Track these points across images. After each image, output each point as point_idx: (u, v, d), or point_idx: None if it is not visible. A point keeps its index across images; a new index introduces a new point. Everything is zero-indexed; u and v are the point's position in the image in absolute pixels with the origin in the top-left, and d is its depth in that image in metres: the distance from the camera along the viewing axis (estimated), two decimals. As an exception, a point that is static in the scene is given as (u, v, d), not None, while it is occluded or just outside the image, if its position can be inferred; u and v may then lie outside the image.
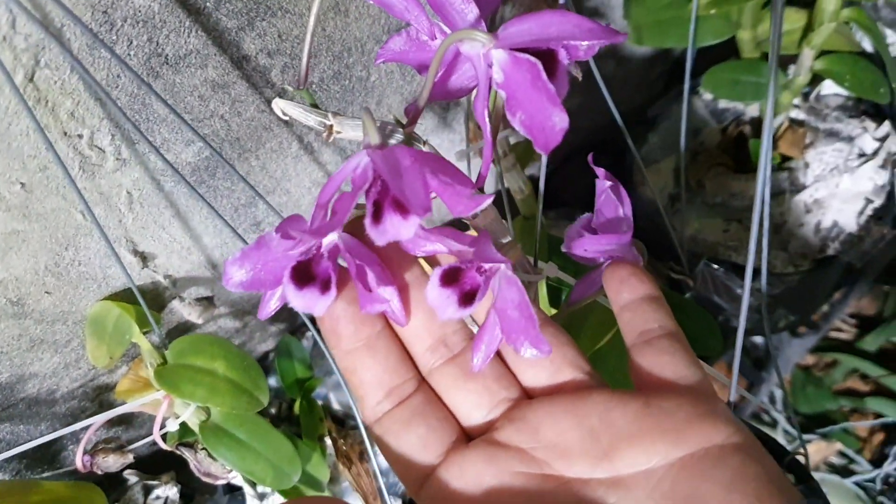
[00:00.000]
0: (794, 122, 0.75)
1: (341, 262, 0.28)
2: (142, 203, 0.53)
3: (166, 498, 0.71)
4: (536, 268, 0.48)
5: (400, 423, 0.28)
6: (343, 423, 0.73)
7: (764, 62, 0.68)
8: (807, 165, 0.73)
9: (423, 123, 0.70)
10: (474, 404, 0.29)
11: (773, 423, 1.05)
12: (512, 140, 0.65)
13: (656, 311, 0.30)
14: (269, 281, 0.27)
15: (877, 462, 1.02)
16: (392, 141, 0.28)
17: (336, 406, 0.74)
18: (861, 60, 0.67)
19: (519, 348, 0.28)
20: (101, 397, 0.66)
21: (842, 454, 1.05)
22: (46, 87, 0.42)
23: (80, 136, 0.46)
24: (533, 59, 0.24)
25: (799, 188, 0.72)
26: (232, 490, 0.72)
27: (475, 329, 0.31)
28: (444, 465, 0.28)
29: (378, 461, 0.64)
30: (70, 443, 0.68)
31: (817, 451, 1.05)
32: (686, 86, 0.64)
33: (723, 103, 0.79)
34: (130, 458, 0.60)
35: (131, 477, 0.71)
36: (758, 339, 1.04)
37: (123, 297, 0.58)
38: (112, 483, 0.70)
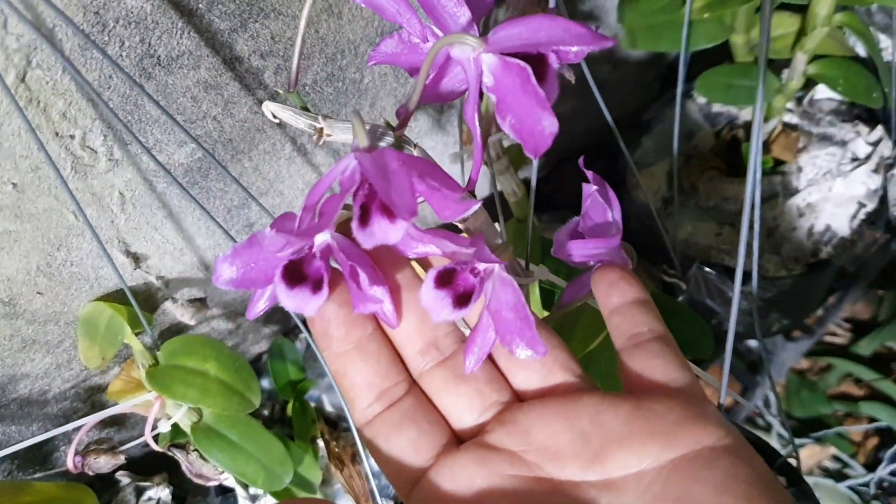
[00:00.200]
0: (788, 126, 0.75)
1: (334, 263, 0.28)
2: (134, 204, 0.53)
3: (158, 499, 0.71)
4: (528, 270, 0.48)
5: (390, 425, 0.28)
6: (336, 425, 0.73)
7: (757, 66, 0.69)
8: (800, 169, 0.73)
9: (417, 126, 0.70)
10: (465, 407, 0.29)
11: (768, 427, 1.05)
12: (505, 143, 0.65)
13: (645, 314, 0.30)
14: (260, 280, 0.27)
15: (871, 466, 1.02)
16: (382, 144, 0.28)
17: (329, 408, 0.74)
18: (854, 65, 0.67)
19: (514, 349, 0.28)
20: (93, 398, 0.66)
21: (836, 458, 1.05)
22: (38, 88, 0.42)
23: (72, 137, 0.46)
24: (523, 63, 0.25)
25: (792, 192, 0.72)
26: (224, 492, 0.72)
27: (467, 332, 0.31)
28: (434, 468, 0.28)
29: (370, 463, 0.64)
30: (62, 444, 0.68)
31: (811, 455, 1.05)
32: (679, 89, 0.64)
33: (716, 107, 0.79)
34: (122, 458, 0.60)
35: (123, 478, 0.71)
36: (752, 343, 1.04)
37: (116, 297, 0.58)
38: (104, 484, 0.70)
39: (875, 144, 0.72)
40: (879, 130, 0.73)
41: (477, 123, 0.27)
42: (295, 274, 0.26)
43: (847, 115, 0.75)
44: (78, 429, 0.57)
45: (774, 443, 1.02)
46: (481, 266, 0.29)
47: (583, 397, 0.28)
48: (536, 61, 0.25)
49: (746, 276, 0.62)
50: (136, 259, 0.56)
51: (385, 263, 0.29)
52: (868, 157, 0.72)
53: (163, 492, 0.70)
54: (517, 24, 0.25)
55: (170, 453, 0.63)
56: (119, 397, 0.59)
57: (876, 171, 0.71)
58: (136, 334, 0.57)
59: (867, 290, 1.09)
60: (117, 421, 0.70)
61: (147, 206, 0.54)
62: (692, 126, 0.79)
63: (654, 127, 0.80)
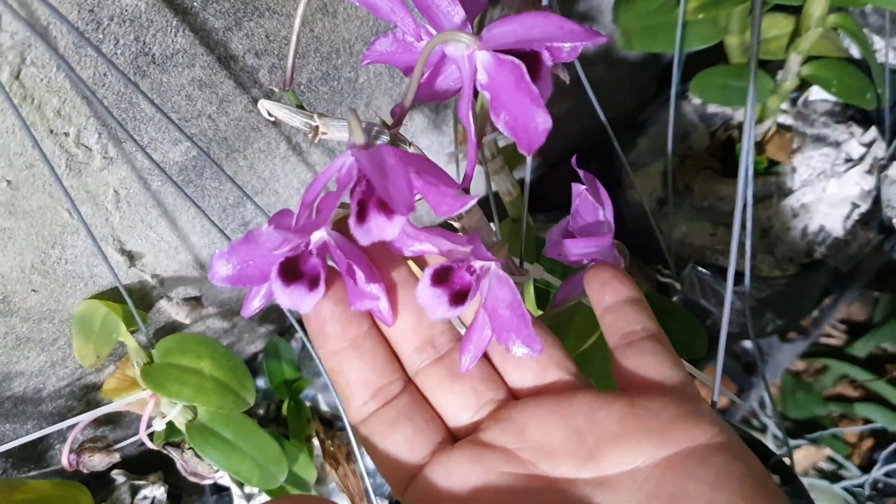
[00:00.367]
0: (782, 127, 0.75)
1: (330, 262, 0.28)
2: (129, 202, 0.53)
3: (153, 498, 0.70)
4: (522, 269, 0.49)
5: (386, 423, 0.28)
6: (331, 424, 0.73)
7: (746, 68, 0.69)
8: (794, 170, 0.73)
9: (413, 126, 0.70)
10: (461, 405, 0.29)
11: (763, 429, 1.05)
12: (501, 143, 0.65)
13: (638, 312, 0.30)
14: (256, 277, 0.27)
15: (865, 467, 1.03)
16: (378, 142, 0.28)
17: (324, 407, 0.74)
18: (848, 66, 0.68)
19: (510, 347, 0.28)
20: (87, 396, 0.66)
21: (831, 459, 1.06)
22: (32, 85, 0.42)
23: (67, 135, 0.46)
24: (517, 60, 0.25)
25: (786, 192, 0.72)
26: (219, 490, 0.72)
27: (462, 330, 0.31)
28: (430, 465, 0.28)
29: (365, 462, 0.64)
30: (57, 442, 0.68)
31: (807, 456, 1.05)
32: (673, 90, 0.64)
33: (711, 108, 0.79)
34: (117, 457, 0.60)
35: (118, 477, 0.71)
36: (748, 345, 1.04)
37: (110, 296, 0.58)
38: (99, 483, 0.70)
39: (869, 145, 0.73)
40: (873, 132, 0.73)
41: (471, 121, 0.27)
42: (291, 271, 0.27)
43: (841, 116, 0.75)
44: (73, 427, 0.58)
45: (769, 444, 1.02)
46: (477, 264, 0.29)
47: (577, 395, 0.28)
48: (530, 59, 0.25)
49: (740, 276, 0.62)
50: (131, 257, 0.57)
51: (381, 262, 0.29)
52: (862, 158, 0.72)
53: (158, 490, 0.70)
54: (511, 22, 0.25)
55: (165, 452, 0.63)
56: (114, 395, 0.59)
57: (869, 172, 0.72)
58: (131, 332, 0.57)
59: (862, 292, 1.09)
60: (112, 420, 0.70)
61: (142, 204, 0.54)
62: (687, 127, 0.79)
63: (650, 127, 0.80)
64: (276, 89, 0.44)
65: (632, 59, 0.87)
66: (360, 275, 0.27)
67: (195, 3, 0.45)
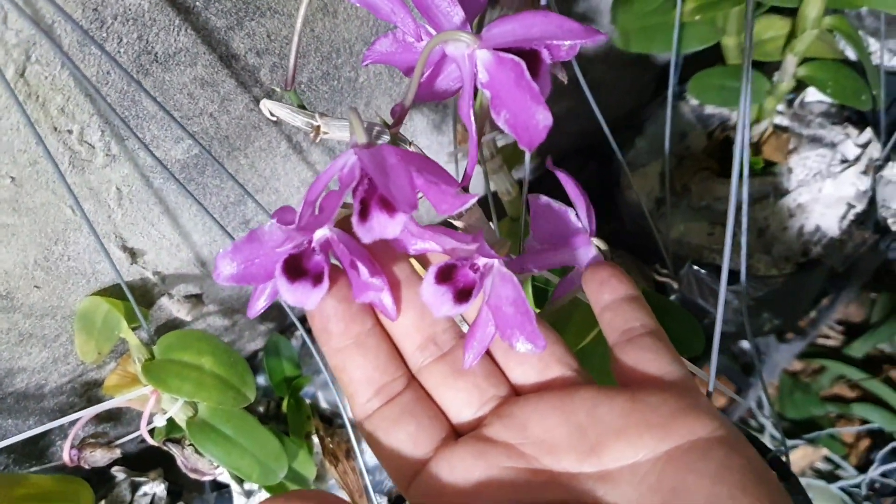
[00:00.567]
0: (779, 128, 0.76)
1: (334, 261, 0.28)
2: (131, 199, 0.53)
3: (154, 495, 0.71)
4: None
5: (389, 420, 0.29)
6: (330, 421, 0.73)
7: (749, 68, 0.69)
8: (790, 170, 0.74)
9: (413, 125, 0.71)
10: (464, 401, 0.29)
11: (761, 429, 1.05)
12: (500, 142, 0.66)
13: (637, 310, 0.30)
14: (260, 275, 0.27)
15: (862, 468, 1.03)
16: (379, 142, 0.28)
17: (324, 405, 0.75)
18: (843, 68, 0.68)
19: (514, 344, 0.29)
20: (89, 393, 0.67)
21: (828, 460, 1.06)
22: (37, 83, 0.43)
23: (70, 132, 0.47)
24: (517, 58, 0.25)
25: (782, 193, 0.73)
26: (219, 487, 0.72)
27: (465, 328, 0.31)
28: (433, 461, 0.28)
29: (364, 459, 0.64)
30: (58, 438, 0.68)
31: (804, 456, 1.06)
32: (670, 91, 0.65)
33: (709, 108, 0.80)
34: (118, 452, 0.60)
35: (119, 474, 0.71)
36: (745, 345, 1.05)
37: (112, 292, 0.58)
38: (100, 480, 0.71)
39: (864, 146, 0.73)
40: (868, 133, 0.73)
41: (472, 119, 0.28)
42: (295, 268, 0.27)
43: (837, 117, 0.76)
44: (74, 423, 0.58)
45: (767, 444, 1.02)
46: (481, 262, 0.29)
47: (579, 391, 0.28)
48: (529, 57, 0.26)
49: (737, 275, 0.63)
50: (133, 254, 0.57)
51: (384, 260, 0.29)
52: (857, 159, 0.73)
53: (158, 487, 0.70)
54: (510, 21, 0.26)
55: (165, 448, 0.63)
56: (115, 392, 0.60)
57: (865, 172, 0.72)
58: (133, 329, 0.57)
59: (859, 293, 1.10)
60: (113, 416, 0.71)
61: (144, 201, 0.54)
62: (685, 127, 0.80)
63: (648, 128, 0.81)
64: (278, 89, 0.44)
65: (630, 60, 0.88)
66: (363, 269, 0.27)
67: (197, 3, 0.46)
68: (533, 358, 0.30)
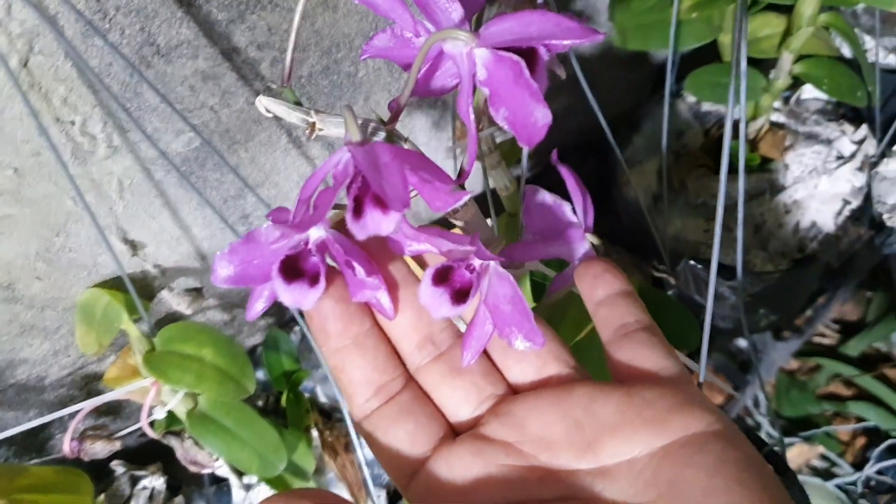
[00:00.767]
0: (775, 125, 0.76)
1: (331, 262, 0.28)
2: (132, 192, 0.54)
3: (153, 489, 0.71)
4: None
5: (388, 419, 0.29)
6: (329, 415, 0.73)
7: (745, 66, 0.70)
8: (786, 167, 0.74)
9: (412, 122, 0.71)
10: (462, 400, 0.30)
11: (757, 427, 1.06)
12: (498, 139, 0.66)
13: (631, 305, 0.30)
14: (258, 277, 0.27)
15: (858, 465, 1.03)
16: (375, 139, 0.29)
17: (322, 399, 0.75)
18: (839, 65, 0.69)
19: (513, 342, 0.29)
20: (89, 386, 0.67)
21: (824, 457, 1.06)
22: (40, 73, 0.43)
23: (73, 123, 0.47)
24: (515, 57, 0.25)
25: (779, 189, 0.73)
26: (218, 481, 0.73)
27: (462, 327, 0.32)
28: (432, 459, 0.28)
29: (363, 452, 0.64)
30: (57, 431, 0.68)
31: (800, 453, 1.06)
32: (667, 88, 0.66)
33: (706, 106, 0.81)
34: (118, 445, 0.61)
35: (118, 468, 0.71)
36: (742, 343, 1.05)
37: (112, 285, 0.59)
38: (99, 474, 0.71)
39: (860, 143, 0.74)
40: (864, 129, 0.74)
41: (471, 116, 0.28)
42: (292, 269, 0.27)
43: (833, 114, 0.76)
44: (74, 415, 0.58)
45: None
46: (477, 262, 0.29)
47: (576, 388, 0.28)
48: (526, 53, 0.26)
49: (733, 270, 0.63)
50: (134, 246, 0.57)
51: (380, 261, 0.30)
52: (853, 156, 0.73)
53: (157, 481, 0.71)
54: (508, 19, 0.26)
55: (164, 441, 0.64)
56: (115, 384, 0.60)
57: (860, 169, 0.73)
58: (133, 321, 0.57)
59: (855, 292, 1.10)
60: (113, 410, 0.71)
61: (145, 194, 0.55)
62: (682, 125, 0.81)
63: (645, 125, 0.81)
64: (275, 85, 0.45)
65: (627, 59, 0.88)
66: (359, 268, 0.27)
67: (199, -5, 0.46)
68: (530, 356, 0.30)
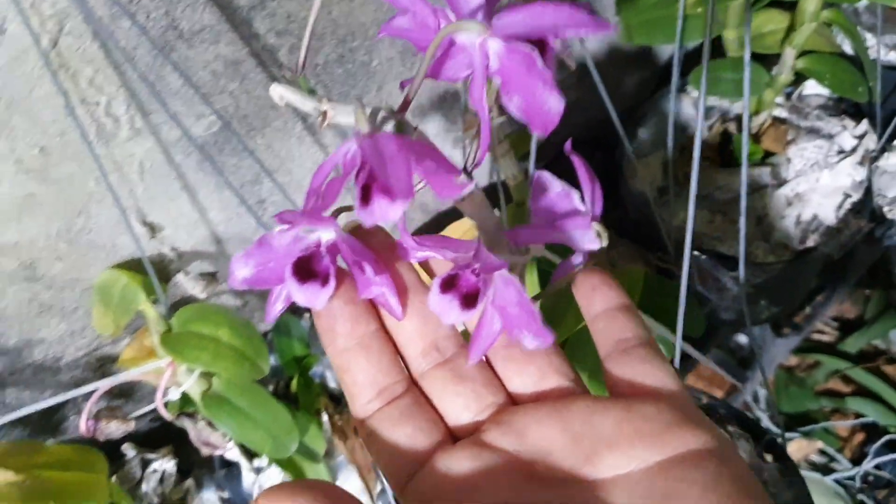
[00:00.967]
0: (777, 120, 0.78)
1: (341, 264, 0.29)
2: (152, 174, 0.55)
3: (163, 472, 0.72)
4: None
5: (388, 420, 0.29)
6: (339, 400, 0.74)
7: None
8: (788, 161, 0.76)
9: (423, 114, 0.73)
10: (462, 406, 0.30)
11: (758, 421, 1.07)
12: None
13: (630, 319, 0.31)
14: (273, 279, 0.28)
15: (856, 460, 1.04)
16: (385, 128, 0.30)
17: (332, 384, 0.76)
18: (841, 61, 0.70)
19: (523, 341, 0.29)
20: (103, 368, 0.68)
21: (823, 452, 1.07)
22: (69, 54, 0.45)
23: (98, 104, 0.48)
24: (529, 46, 0.26)
25: (781, 182, 0.75)
26: (228, 465, 0.73)
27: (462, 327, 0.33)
28: (430, 463, 0.28)
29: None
30: (71, 413, 0.69)
31: (799, 449, 1.07)
32: (674, 83, 0.67)
33: (709, 101, 0.82)
34: (132, 425, 0.62)
35: (129, 451, 0.72)
36: (742, 340, 1.06)
37: (130, 267, 0.60)
38: (110, 457, 0.72)
39: (860, 138, 0.75)
40: (865, 124, 0.76)
41: (484, 105, 0.29)
42: (305, 270, 0.28)
43: (834, 110, 0.78)
44: (89, 396, 0.59)
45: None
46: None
47: (576, 401, 0.29)
48: (537, 42, 0.27)
49: (736, 262, 0.65)
50: (153, 229, 0.58)
51: (390, 265, 0.30)
52: (854, 150, 0.75)
53: (168, 464, 0.72)
54: (521, 10, 0.27)
55: (178, 423, 0.65)
56: (131, 365, 0.61)
57: (861, 163, 0.74)
58: (151, 303, 0.58)
59: (854, 290, 1.12)
60: (125, 393, 0.72)
61: (164, 176, 0.56)
62: (686, 119, 0.82)
63: (650, 120, 0.83)
64: (289, 74, 0.45)
65: (631, 58, 0.90)
66: (368, 270, 0.28)
67: (223, -19, 0.47)
68: (531, 367, 0.30)
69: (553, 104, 0.25)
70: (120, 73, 0.48)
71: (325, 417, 0.71)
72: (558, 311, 0.59)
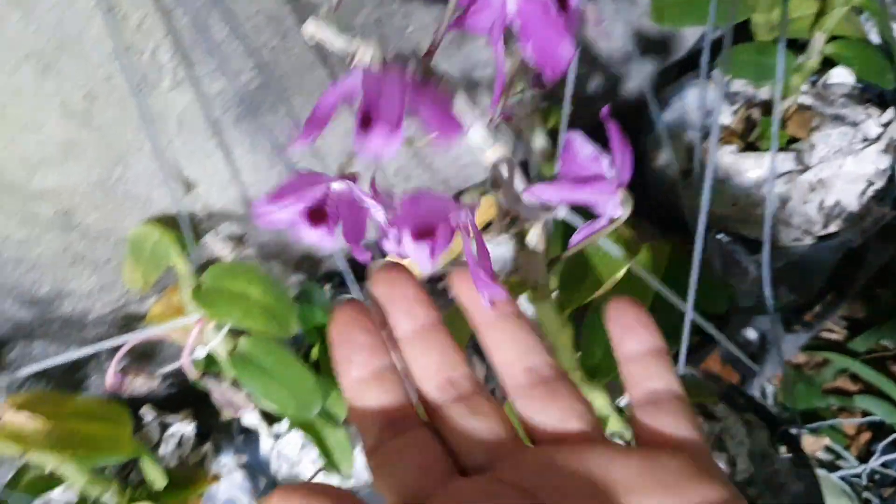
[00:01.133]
0: (802, 107, 0.79)
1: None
2: (190, 128, 0.55)
3: (181, 435, 0.72)
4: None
5: (397, 452, 0.29)
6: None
7: (777, 46, 0.72)
8: (812, 147, 0.76)
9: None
10: (476, 443, 0.29)
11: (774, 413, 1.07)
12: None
13: (662, 367, 0.31)
14: (292, 221, 0.30)
15: (863, 458, 1.05)
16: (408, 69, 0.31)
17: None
18: (869, 47, 0.71)
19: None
20: (129, 327, 0.68)
21: (829, 450, 1.08)
22: (120, -3, 0.45)
23: (143, 52, 0.49)
24: None
25: (804, 168, 0.75)
26: (246, 431, 0.74)
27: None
28: (436, 496, 0.28)
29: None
30: (94, 372, 0.69)
31: (806, 445, 1.07)
32: (703, 65, 0.67)
33: (735, 86, 0.83)
34: (156, 383, 0.62)
35: (147, 414, 0.72)
36: (751, 335, 1.07)
37: (162, 223, 0.60)
38: (129, 420, 0.72)
39: (886, 126, 0.76)
40: (890, 113, 0.76)
41: (500, 47, 0.30)
42: (316, 214, 0.30)
43: (859, 98, 0.79)
44: (114, 352, 0.60)
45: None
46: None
47: (596, 446, 0.29)
48: None
49: (757, 245, 0.65)
50: (188, 185, 0.59)
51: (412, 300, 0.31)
52: (878, 138, 0.75)
53: (187, 427, 0.72)
54: None
55: (202, 383, 0.65)
56: (159, 321, 0.61)
57: (886, 151, 0.75)
58: (184, 258, 0.59)
59: (864, 290, 1.12)
60: (148, 354, 0.72)
61: (201, 131, 0.56)
62: (711, 104, 0.83)
63: (675, 104, 0.84)
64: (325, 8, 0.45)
65: (653, 45, 0.91)
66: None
67: (273, -68, 0.48)
68: (552, 408, 0.30)
69: (564, 49, 0.27)
70: (167, 21, 0.48)
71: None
72: (575, 276, 0.59)
